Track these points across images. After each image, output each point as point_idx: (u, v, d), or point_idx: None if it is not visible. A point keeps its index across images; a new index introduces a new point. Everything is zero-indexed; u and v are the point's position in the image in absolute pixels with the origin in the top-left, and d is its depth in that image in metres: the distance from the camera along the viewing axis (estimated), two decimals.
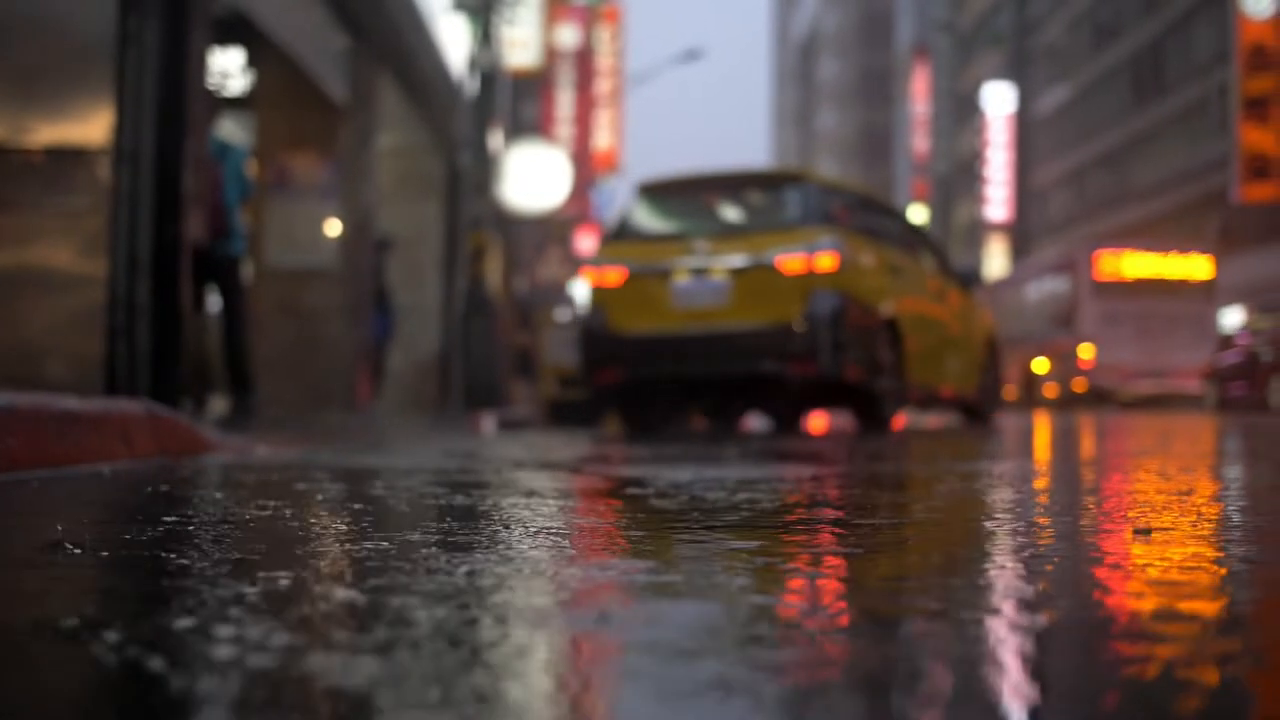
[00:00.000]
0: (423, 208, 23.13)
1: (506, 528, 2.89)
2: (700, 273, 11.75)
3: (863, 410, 12.12)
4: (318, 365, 16.65)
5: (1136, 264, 32.40)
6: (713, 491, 3.79)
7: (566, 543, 2.67)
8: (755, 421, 16.01)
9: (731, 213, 12.59)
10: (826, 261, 11.42)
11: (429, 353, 22.98)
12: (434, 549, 2.49)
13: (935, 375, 13.32)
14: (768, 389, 12.11)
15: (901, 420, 12.71)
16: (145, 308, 9.22)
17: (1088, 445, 8.22)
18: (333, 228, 16.77)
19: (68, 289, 9.21)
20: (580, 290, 44.66)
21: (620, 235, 12.66)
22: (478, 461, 5.61)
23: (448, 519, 3.15)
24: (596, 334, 12.26)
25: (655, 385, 12.32)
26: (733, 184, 12.98)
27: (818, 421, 15.27)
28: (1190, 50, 58.24)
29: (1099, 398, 31.12)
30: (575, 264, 49.11)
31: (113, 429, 4.27)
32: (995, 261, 76.51)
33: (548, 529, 2.89)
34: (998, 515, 3.34)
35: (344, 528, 2.99)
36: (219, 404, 12.22)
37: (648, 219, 12.74)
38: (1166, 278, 32.09)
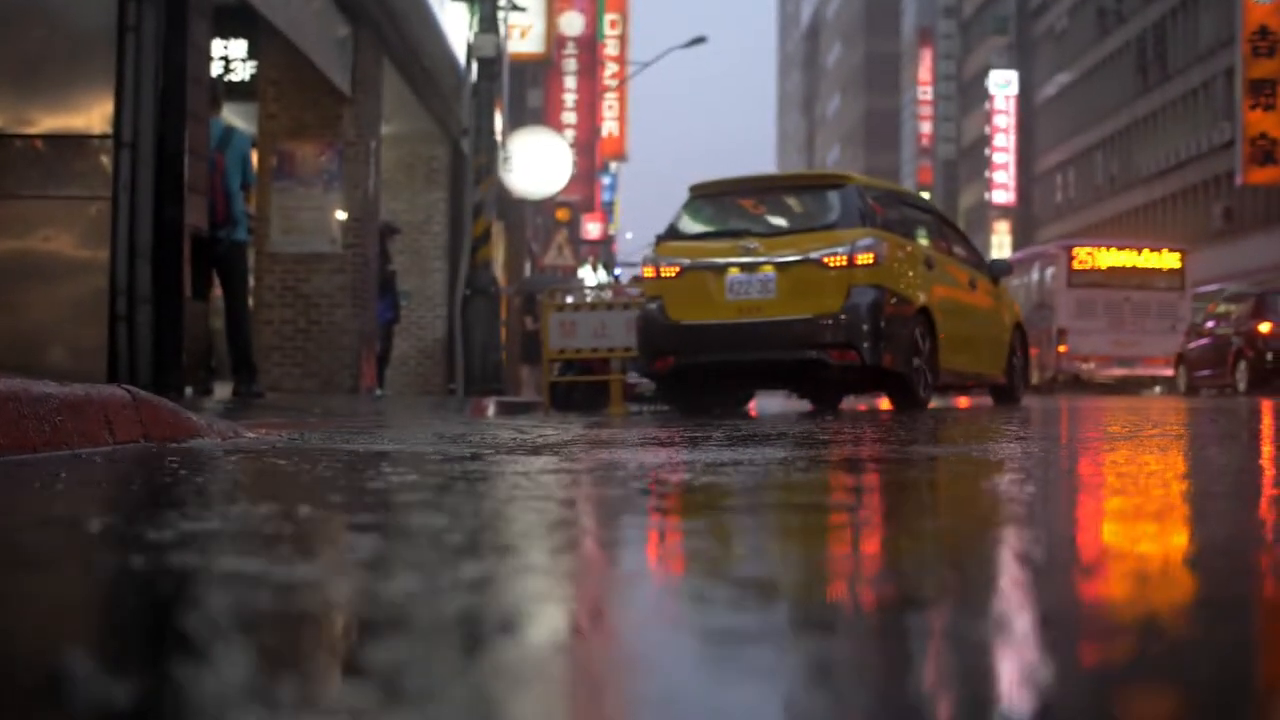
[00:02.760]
0: (428, 194, 23.25)
1: (433, 507, 2.98)
2: (750, 268, 12.66)
3: (898, 394, 13.01)
4: (322, 350, 16.76)
5: (1110, 258, 33.77)
6: (679, 474, 3.88)
7: (451, 528, 2.73)
8: (759, 404, 16.19)
9: (778, 213, 13.53)
10: (866, 258, 12.36)
11: (434, 338, 23.10)
12: (338, 527, 2.58)
13: (966, 360, 14.13)
14: (809, 374, 13.10)
15: (932, 402, 13.55)
16: (146, 295, 9.31)
17: (1064, 427, 8.33)
18: (337, 214, 16.87)
19: (69, 276, 9.31)
20: (589, 276, 44.48)
21: (674, 234, 13.54)
22: (461, 445, 5.71)
23: (376, 502, 3.23)
24: (655, 324, 13.16)
25: (707, 370, 13.23)
26: (779, 187, 14.25)
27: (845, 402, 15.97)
28: (1195, 34, 58.13)
29: (1076, 382, 32.52)
30: (582, 250, 49.12)
31: (94, 414, 4.35)
32: (1001, 245, 76.46)
33: (461, 514, 2.97)
34: (938, 504, 3.43)
35: (253, 512, 3.04)
36: (224, 389, 12.32)
37: (700, 219, 13.65)
38: (1138, 269, 33.45)
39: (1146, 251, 34.31)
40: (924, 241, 13.79)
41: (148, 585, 2.02)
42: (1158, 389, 31.21)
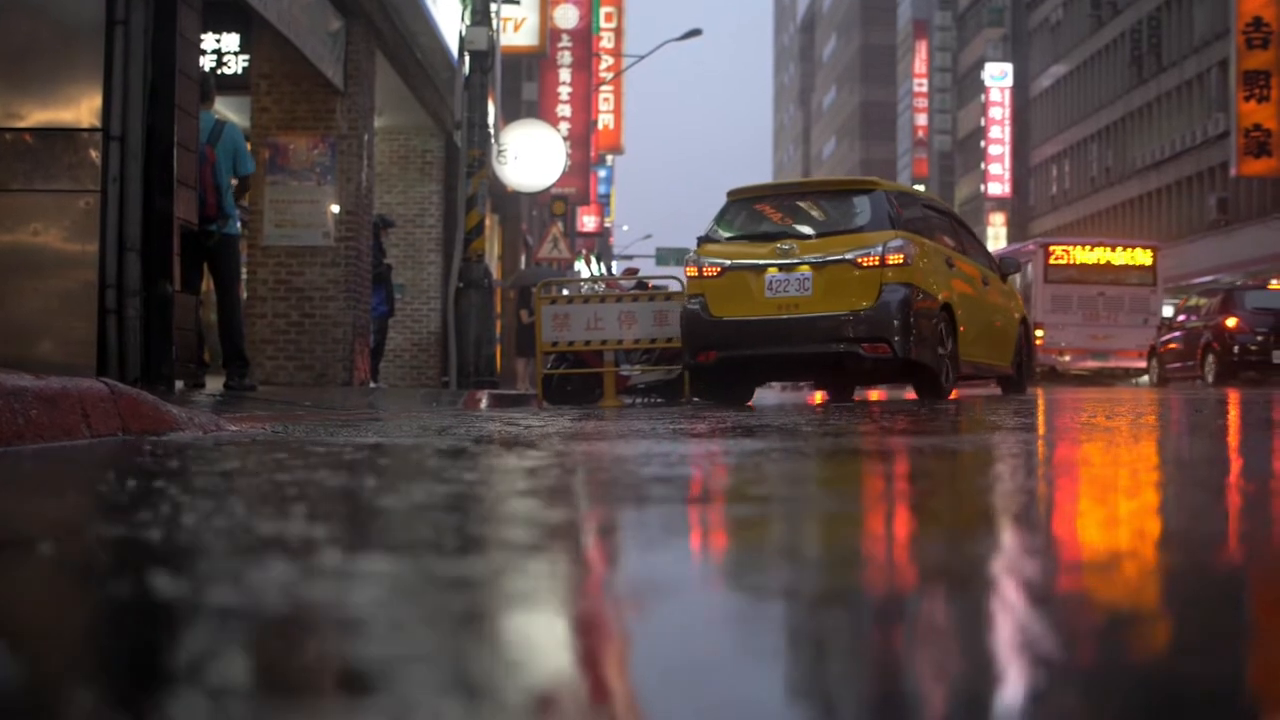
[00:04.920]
0: (422, 187, 23.27)
1: (363, 496, 3.00)
2: (788, 268, 13.54)
3: (924, 385, 13.93)
4: (316, 344, 16.78)
5: (1085, 255, 34.88)
6: (649, 466, 3.90)
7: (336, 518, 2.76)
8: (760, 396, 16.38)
9: (811, 216, 14.31)
10: (896, 258, 13.25)
11: (428, 331, 23.13)
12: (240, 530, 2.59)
13: (981, 353, 15.09)
14: (843, 366, 13.95)
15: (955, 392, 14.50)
16: (135, 288, 9.33)
17: (1029, 420, 8.35)
18: (330, 208, 16.88)
19: (58, 270, 9.31)
20: (583, 269, 44.34)
21: (714, 236, 14.40)
22: (444, 438, 5.73)
23: (311, 499, 3.25)
24: (698, 320, 13.98)
25: (748, 363, 14.07)
26: (811, 192, 15.06)
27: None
28: (1189, 26, 58.12)
29: (1052, 373, 33.69)
30: (578, 243, 49.09)
31: (71, 407, 4.35)
32: (996, 237, 76.46)
33: (383, 509, 2.99)
34: (851, 499, 3.44)
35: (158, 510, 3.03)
36: (217, 382, 12.33)
37: (738, 222, 14.49)
38: (1112, 266, 34.59)
39: (1120, 249, 35.38)
40: (944, 242, 14.71)
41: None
42: (1145, 379, 32.22)
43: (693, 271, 14.25)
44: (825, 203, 14.48)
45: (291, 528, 2.56)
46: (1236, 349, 26.26)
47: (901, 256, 13.26)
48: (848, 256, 13.37)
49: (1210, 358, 26.81)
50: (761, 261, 13.69)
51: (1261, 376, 25.76)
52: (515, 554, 2.25)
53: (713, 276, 13.94)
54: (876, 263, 13.24)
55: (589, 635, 1.66)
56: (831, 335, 13.37)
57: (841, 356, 13.51)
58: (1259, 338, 26.07)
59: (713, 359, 13.91)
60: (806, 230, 13.99)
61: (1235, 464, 4.31)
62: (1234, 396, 14.49)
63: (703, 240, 14.47)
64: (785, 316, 13.48)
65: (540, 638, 1.65)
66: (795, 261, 13.50)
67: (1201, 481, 3.74)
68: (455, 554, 2.27)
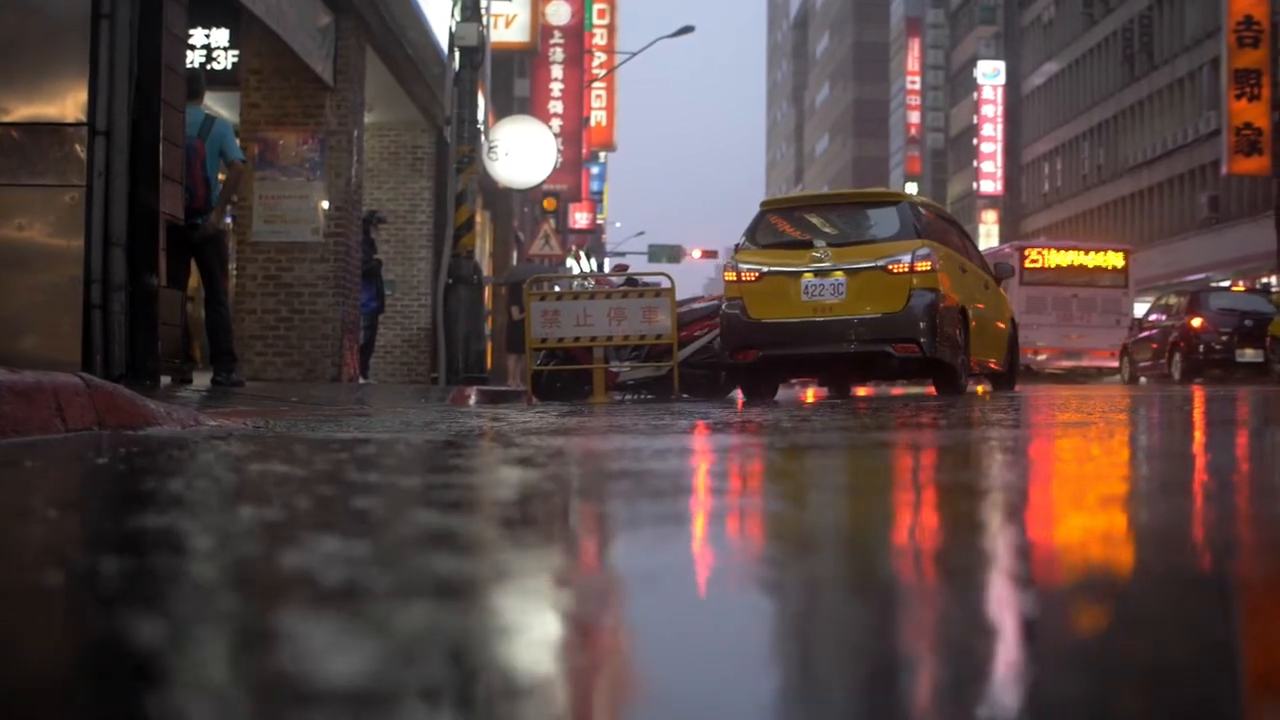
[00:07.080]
0: (412, 183, 23.25)
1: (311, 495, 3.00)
2: (822, 274, 14.58)
3: (944, 381, 15.09)
4: (305, 339, 16.76)
5: (1059, 258, 35.94)
6: (623, 461, 3.90)
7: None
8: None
9: (842, 226, 15.41)
10: (924, 265, 14.31)
11: (419, 326, 23.12)
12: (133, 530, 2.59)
13: (984, 352, 16.16)
14: (873, 365, 15.29)
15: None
16: (120, 283, 9.30)
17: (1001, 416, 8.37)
18: (320, 203, 16.86)
19: (44, 264, 9.28)
20: (574, 266, 44.32)
21: (750, 244, 15.41)
22: (426, 432, 5.72)
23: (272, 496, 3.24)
24: (738, 322, 14.98)
25: (783, 362, 15.23)
26: (840, 203, 16.49)
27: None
28: (1181, 24, 58.18)
29: (1027, 372, 34.22)
30: (570, 239, 49.08)
31: (45, 401, 4.34)
32: (989, 234, 76.53)
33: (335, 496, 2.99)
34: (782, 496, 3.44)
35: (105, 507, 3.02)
36: (205, 378, 12.30)
37: (771, 231, 15.54)
38: (1085, 268, 35.56)
39: (1093, 252, 36.43)
40: (956, 250, 15.76)
41: None
42: (1117, 377, 33.09)
43: (731, 276, 15.22)
44: (854, 213, 15.70)
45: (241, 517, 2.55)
46: (1202, 348, 27.65)
47: (929, 264, 14.27)
48: (879, 263, 14.38)
49: (1177, 356, 28.10)
50: (798, 267, 14.67)
51: (1225, 374, 27.03)
52: (482, 545, 2.25)
53: (751, 281, 14.91)
54: (906, 269, 14.26)
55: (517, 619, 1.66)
56: (864, 336, 14.39)
57: (873, 355, 14.62)
58: (1223, 337, 27.40)
59: (752, 357, 14.92)
60: (837, 238, 14.98)
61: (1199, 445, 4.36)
62: (1199, 393, 15.14)
63: (739, 248, 15.51)
64: (820, 319, 14.48)
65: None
66: (829, 267, 14.51)
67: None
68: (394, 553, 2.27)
